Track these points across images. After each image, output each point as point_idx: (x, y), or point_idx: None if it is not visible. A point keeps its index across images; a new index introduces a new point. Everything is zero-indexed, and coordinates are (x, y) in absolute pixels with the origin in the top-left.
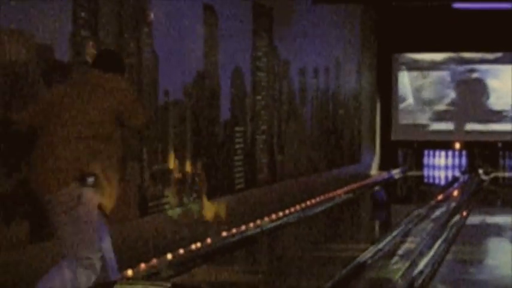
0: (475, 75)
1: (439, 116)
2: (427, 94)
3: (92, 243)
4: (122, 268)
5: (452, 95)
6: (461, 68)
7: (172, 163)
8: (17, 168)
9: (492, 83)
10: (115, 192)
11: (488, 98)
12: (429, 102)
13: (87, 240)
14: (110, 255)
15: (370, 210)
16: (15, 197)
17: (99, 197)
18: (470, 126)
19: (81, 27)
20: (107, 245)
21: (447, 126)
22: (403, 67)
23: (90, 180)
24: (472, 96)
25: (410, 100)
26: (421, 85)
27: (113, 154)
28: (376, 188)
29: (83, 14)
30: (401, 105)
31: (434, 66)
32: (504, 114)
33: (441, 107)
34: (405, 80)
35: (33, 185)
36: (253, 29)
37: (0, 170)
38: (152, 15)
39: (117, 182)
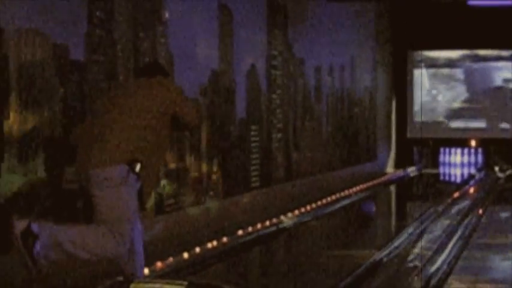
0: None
1: (456, 114)
2: (443, 91)
3: (127, 221)
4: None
5: (467, 93)
6: (477, 65)
7: (188, 162)
8: (34, 167)
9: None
10: (154, 184)
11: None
12: (445, 100)
13: (123, 218)
14: (139, 245)
15: (386, 207)
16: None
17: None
18: (494, 123)
19: (96, 27)
20: (138, 235)
21: (463, 123)
22: (419, 64)
23: (137, 167)
24: (498, 96)
25: (425, 97)
26: (436, 82)
27: (160, 149)
28: (366, 201)
29: (98, 14)
30: (417, 103)
31: (450, 63)
32: None
33: (457, 104)
34: (420, 77)
35: (82, 157)
36: (268, 27)
37: (19, 169)
38: (167, 14)
39: (157, 176)
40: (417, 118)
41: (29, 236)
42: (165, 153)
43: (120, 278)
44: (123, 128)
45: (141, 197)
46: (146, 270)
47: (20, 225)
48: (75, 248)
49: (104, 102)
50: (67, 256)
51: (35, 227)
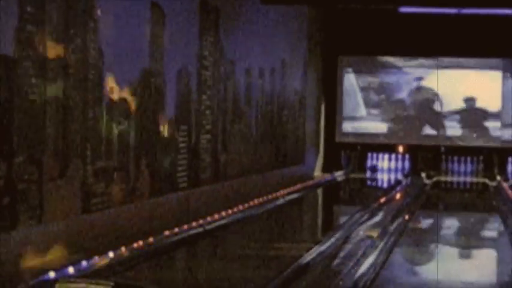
0: (424, 79)
1: (385, 119)
2: (373, 97)
3: None
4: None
5: (399, 98)
6: (409, 71)
7: (116, 160)
8: None
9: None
10: None
11: (437, 101)
12: (375, 105)
13: None
14: None
15: (313, 210)
16: None
17: None
18: (421, 130)
19: (27, 22)
20: None
21: (393, 129)
22: (349, 69)
23: None
24: (422, 100)
25: (355, 102)
26: (367, 88)
27: None
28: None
29: (29, 9)
30: (347, 108)
31: (381, 69)
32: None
33: (388, 109)
34: (351, 83)
35: None
36: (200, 27)
37: None
38: (99, 11)
39: None
40: (346, 123)
41: None
42: None
43: (47, 277)
44: None
45: None
46: (71, 269)
47: None
48: None
49: None
50: None
51: None
